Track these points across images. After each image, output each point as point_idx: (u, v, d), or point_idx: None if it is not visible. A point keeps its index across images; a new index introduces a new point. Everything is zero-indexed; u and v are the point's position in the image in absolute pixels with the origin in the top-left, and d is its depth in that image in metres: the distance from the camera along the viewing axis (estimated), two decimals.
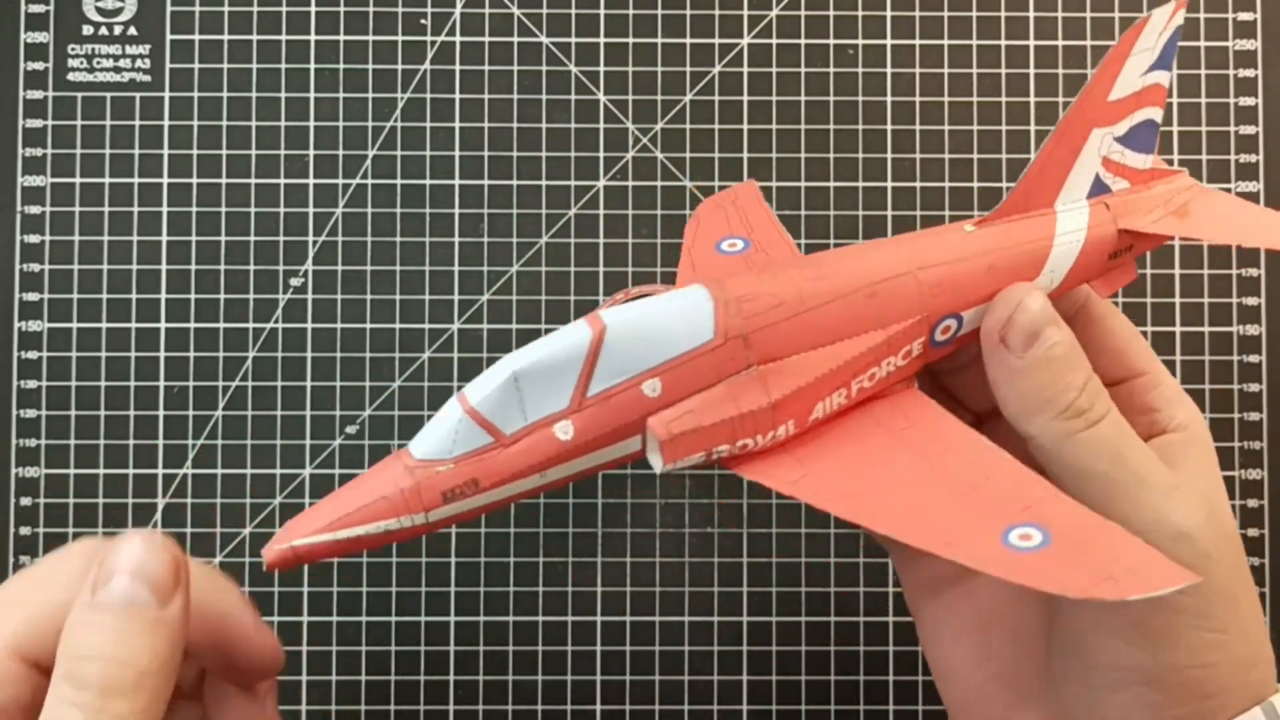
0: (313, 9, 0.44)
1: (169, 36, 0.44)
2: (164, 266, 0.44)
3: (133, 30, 0.44)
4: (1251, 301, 0.44)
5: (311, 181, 0.44)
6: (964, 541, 0.23)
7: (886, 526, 0.24)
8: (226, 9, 0.44)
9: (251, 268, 0.44)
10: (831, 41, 0.45)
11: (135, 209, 0.44)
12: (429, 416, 0.43)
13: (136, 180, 0.44)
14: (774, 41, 0.44)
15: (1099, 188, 0.31)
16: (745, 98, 0.44)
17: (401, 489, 0.24)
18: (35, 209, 0.44)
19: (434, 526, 0.25)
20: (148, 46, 0.44)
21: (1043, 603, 0.30)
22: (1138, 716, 0.27)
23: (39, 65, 0.44)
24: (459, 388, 0.43)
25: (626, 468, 0.43)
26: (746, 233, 0.32)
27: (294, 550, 0.24)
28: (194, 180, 0.44)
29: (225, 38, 0.44)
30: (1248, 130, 0.44)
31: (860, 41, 0.45)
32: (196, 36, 0.44)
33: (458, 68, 0.44)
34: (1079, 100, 0.29)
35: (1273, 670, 0.27)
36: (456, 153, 0.44)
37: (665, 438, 0.25)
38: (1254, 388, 0.44)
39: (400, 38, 0.44)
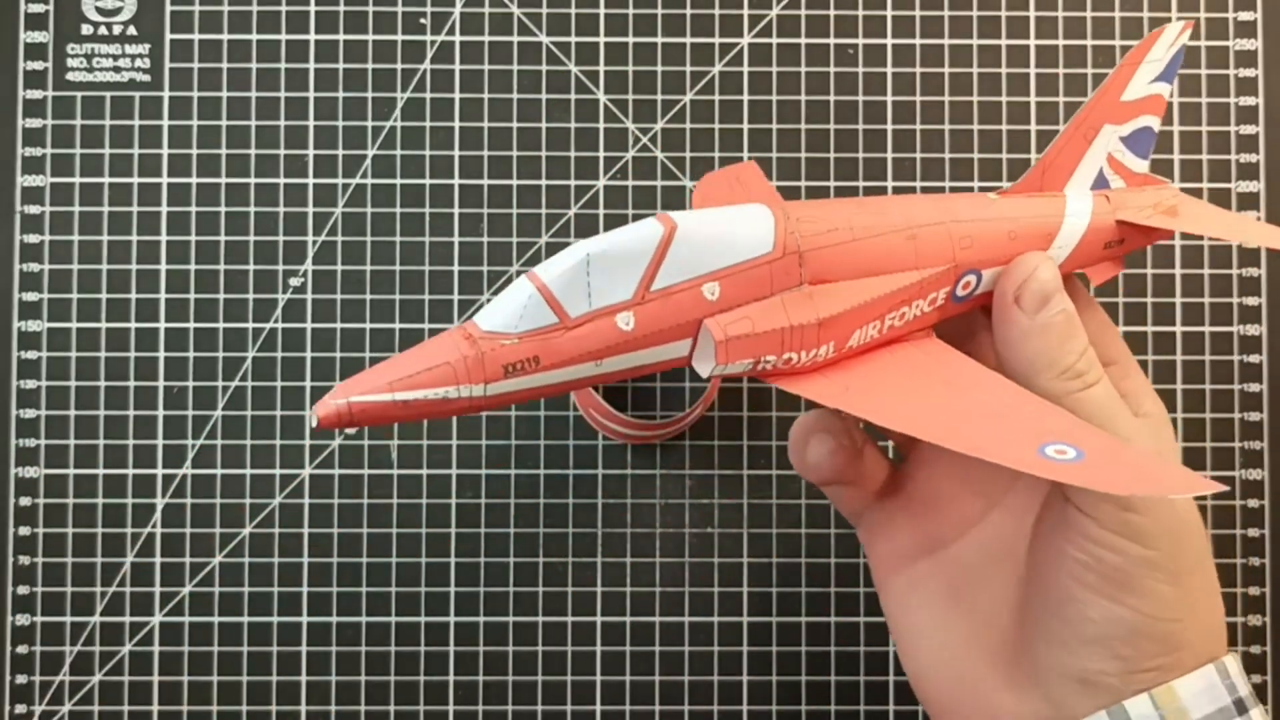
0: (312, 9, 0.44)
1: (168, 36, 0.44)
2: (163, 266, 0.43)
3: (132, 30, 0.44)
4: (1252, 301, 0.44)
5: (311, 181, 0.44)
6: (1004, 448, 0.24)
7: (931, 434, 0.25)
8: (226, 9, 0.44)
9: (251, 267, 0.44)
10: (832, 41, 0.44)
11: (134, 209, 0.44)
12: None
13: (136, 180, 0.44)
14: (774, 41, 0.44)
15: (1101, 182, 0.33)
16: (745, 97, 0.44)
17: (465, 356, 0.24)
18: (34, 209, 0.43)
19: (490, 403, 0.25)
20: (147, 46, 0.44)
21: (1015, 568, 0.32)
22: (1111, 669, 0.28)
23: (38, 65, 0.44)
24: None
25: (626, 468, 0.43)
26: (749, 199, 0.33)
27: (350, 407, 0.23)
28: (193, 180, 0.44)
29: (225, 37, 0.44)
30: (1248, 130, 0.44)
31: (860, 41, 0.45)
32: (196, 36, 0.44)
33: (457, 67, 0.44)
34: (1100, 92, 0.31)
35: (1225, 634, 0.30)
36: (456, 152, 0.44)
37: (721, 338, 0.26)
38: (1255, 388, 0.44)
39: (400, 37, 0.44)
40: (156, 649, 0.43)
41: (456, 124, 0.44)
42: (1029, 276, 0.30)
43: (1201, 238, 0.44)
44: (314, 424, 0.23)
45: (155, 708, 0.43)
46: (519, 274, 0.43)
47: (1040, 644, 0.30)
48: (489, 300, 0.43)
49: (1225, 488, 0.24)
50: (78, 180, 0.44)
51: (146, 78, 0.44)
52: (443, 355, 0.24)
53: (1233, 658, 0.29)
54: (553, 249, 0.44)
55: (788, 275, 0.27)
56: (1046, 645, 0.29)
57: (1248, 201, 0.44)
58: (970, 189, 0.44)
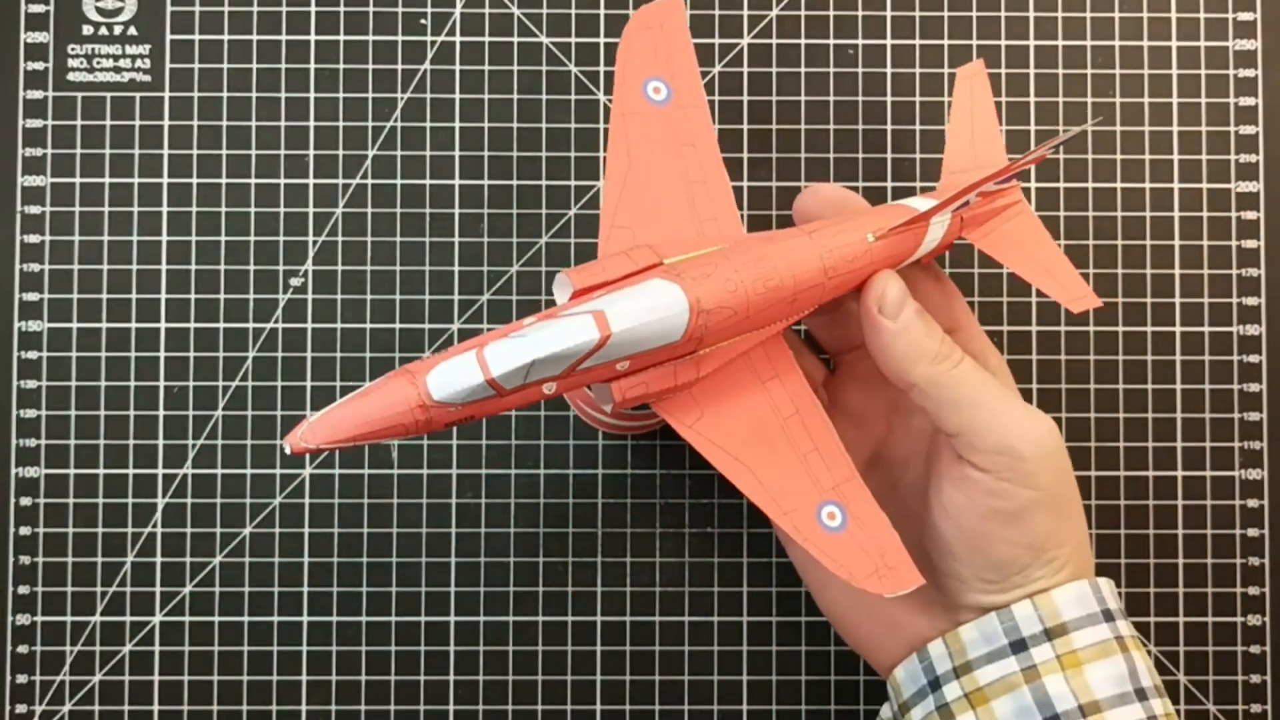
0: (313, 9, 0.44)
1: (169, 36, 0.44)
2: (164, 266, 0.44)
3: (133, 30, 0.44)
4: (1251, 301, 0.44)
5: (311, 181, 0.44)
6: (790, 511, 0.32)
7: (747, 489, 0.32)
8: (226, 9, 0.44)
9: (251, 268, 0.44)
10: (831, 41, 0.45)
11: (135, 209, 0.44)
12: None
13: (136, 180, 0.44)
14: (774, 41, 0.44)
15: (964, 205, 0.37)
16: (745, 98, 0.44)
17: (418, 420, 0.29)
18: (35, 209, 0.44)
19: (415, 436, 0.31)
20: (148, 46, 0.44)
21: (919, 489, 0.37)
22: (1006, 588, 0.34)
23: (39, 65, 0.44)
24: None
25: (626, 468, 0.43)
26: (669, 74, 0.36)
27: (319, 448, 0.29)
28: (194, 180, 0.44)
29: (225, 38, 0.44)
30: (1248, 130, 0.44)
31: (860, 41, 0.45)
32: (196, 36, 0.44)
33: (458, 68, 0.44)
34: (992, 176, 0.35)
35: (1092, 557, 0.36)
36: (456, 153, 0.44)
37: (620, 399, 0.32)
38: (1254, 388, 0.44)
39: (400, 38, 0.44)
40: (157, 649, 0.43)
41: (457, 124, 0.44)
42: (882, 294, 0.34)
43: (1200, 239, 0.44)
44: (287, 450, 0.29)
45: (156, 707, 0.43)
46: (519, 274, 0.44)
47: (947, 579, 0.35)
48: (487, 301, 0.43)
49: (923, 581, 0.32)
50: (78, 180, 0.44)
51: (147, 78, 0.44)
52: (401, 418, 0.29)
53: (1106, 581, 0.35)
54: (552, 249, 0.44)
55: (683, 349, 0.32)
56: (953, 580, 0.35)
57: (1248, 201, 0.44)
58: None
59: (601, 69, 0.44)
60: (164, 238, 0.44)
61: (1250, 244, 0.44)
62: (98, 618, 0.43)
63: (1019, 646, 0.34)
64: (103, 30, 0.44)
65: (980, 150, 0.39)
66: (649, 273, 0.32)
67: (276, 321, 0.43)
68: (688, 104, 0.36)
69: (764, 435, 0.33)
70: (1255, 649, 0.43)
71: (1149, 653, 0.42)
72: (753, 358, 0.34)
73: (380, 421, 0.29)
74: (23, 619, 0.43)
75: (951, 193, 0.35)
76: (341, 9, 0.44)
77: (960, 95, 0.39)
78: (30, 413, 0.43)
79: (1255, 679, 0.43)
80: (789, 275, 0.33)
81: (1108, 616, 0.34)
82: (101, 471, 0.43)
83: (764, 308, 0.32)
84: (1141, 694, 0.33)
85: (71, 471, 0.43)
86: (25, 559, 0.43)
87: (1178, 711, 0.43)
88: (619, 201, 0.34)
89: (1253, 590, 0.44)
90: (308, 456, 0.43)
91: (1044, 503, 0.33)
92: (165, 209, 0.44)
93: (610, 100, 0.44)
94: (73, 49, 0.44)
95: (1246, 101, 0.45)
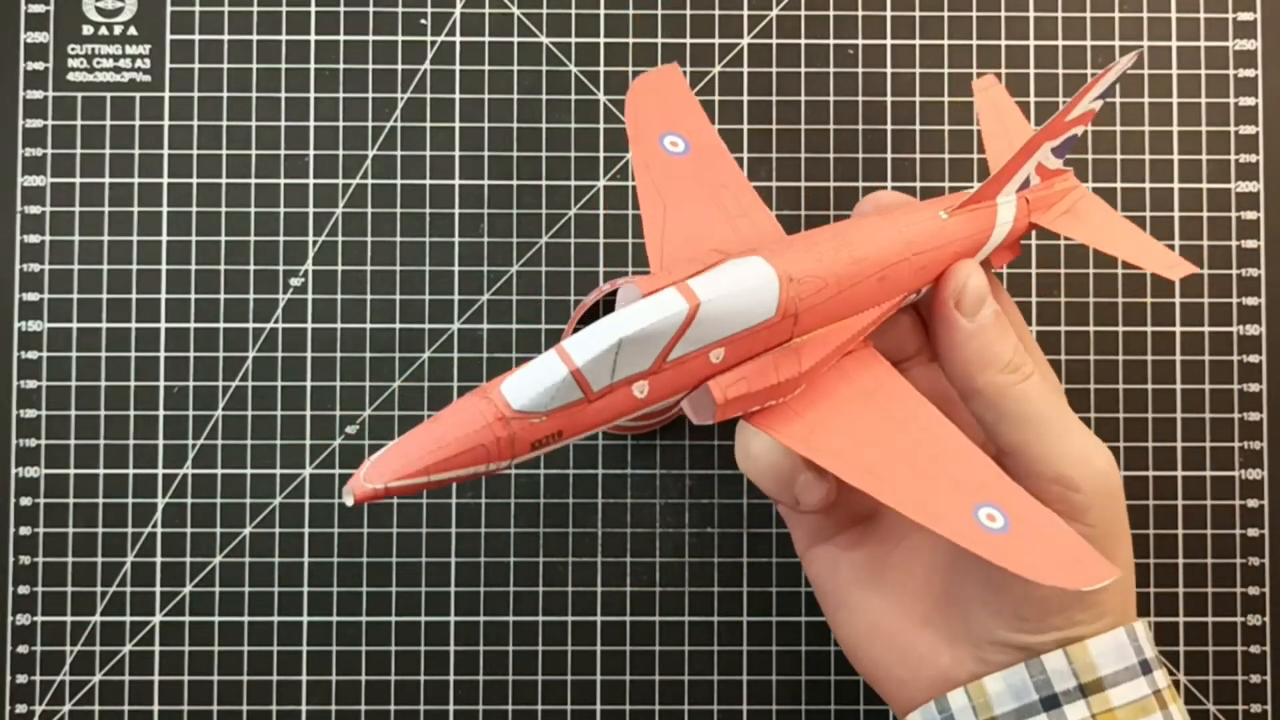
0: (313, 9, 0.44)
1: (169, 36, 0.44)
2: (164, 266, 0.44)
3: (133, 30, 0.44)
4: (1251, 301, 0.44)
5: (311, 181, 0.44)
6: (943, 515, 0.27)
7: (885, 496, 0.28)
8: (226, 9, 0.44)
9: (251, 268, 0.44)
10: (831, 41, 0.45)
11: (135, 209, 0.44)
12: (429, 415, 0.43)
13: (136, 180, 0.44)
14: (774, 41, 0.44)
15: (1024, 184, 0.35)
16: (745, 98, 0.44)
17: (499, 438, 0.25)
18: (35, 209, 0.44)
19: (511, 468, 0.27)
20: (148, 46, 0.44)
21: (936, 540, 0.34)
22: (1041, 631, 0.31)
23: (39, 65, 0.44)
24: (458, 389, 0.43)
25: (626, 468, 0.43)
26: (684, 129, 0.35)
27: (386, 489, 0.24)
28: (194, 180, 0.44)
29: (225, 38, 0.44)
30: (1248, 130, 0.44)
31: (860, 41, 0.45)
32: (196, 36, 0.44)
33: (458, 68, 0.44)
34: (1052, 121, 0.33)
35: (1135, 601, 0.33)
36: (456, 153, 0.44)
37: (722, 401, 0.28)
38: (1254, 388, 0.44)
39: (400, 38, 0.44)
40: (157, 649, 0.43)
41: (457, 124, 0.44)
42: (964, 285, 0.32)
43: (1200, 239, 0.44)
44: (348, 502, 0.24)
45: (156, 707, 0.43)
46: (519, 274, 0.44)
47: (978, 610, 0.32)
48: (487, 301, 0.43)
49: (1120, 573, 0.27)
50: (78, 180, 0.44)
51: (147, 78, 0.44)
52: (478, 437, 0.25)
53: (1142, 624, 0.32)
54: (552, 249, 0.44)
55: (780, 334, 0.29)
56: (985, 612, 0.32)
57: (1247, 201, 0.44)
58: (970, 189, 0.44)
59: (601, 69, 0.44)
60: (164, 238, 0.44)
61: (1250, 244, 0.44)
62: (98, 618, 0.43)
63: (1051, 703, 0.31)
64: (103, 30, 0.44)
65: (1020, 144, 0.38)
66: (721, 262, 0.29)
67: (276, 321, 0.43)
68: (709, 152, 0.34)
69: (886, 445, 0.29)
70: (1255, 649, 0.43)
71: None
72: (848, 371, 0.31)
73: (455, 444, 0.24)
74: (23, 619, 0.43)
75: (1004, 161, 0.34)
76: (341, 9, 0.44)
77: (983, 106, 0.38)
78: (30, 413, 0.43)
79: (1255, 679, 0.43)
80: (872, 248, 0.31)
81: (1145, 668, 0.31)
82: (101, 471, 0.43)
83: (853, 282, 0.30)
84: None
85: (71, 471, 0.43)
86: (25, 559, 0.43)
87: None
88: (663, 244, 0.32)
89: (1253, 590, 0.44)
90: (308, 457, 0.43)
91: (1094, 540, 0.30)
92: (165, 209, 0.44)
93: (608, 99, 0.44)
94: (73, 49, 0.44)
95: (1246, 101, 0.45)
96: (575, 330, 0.42)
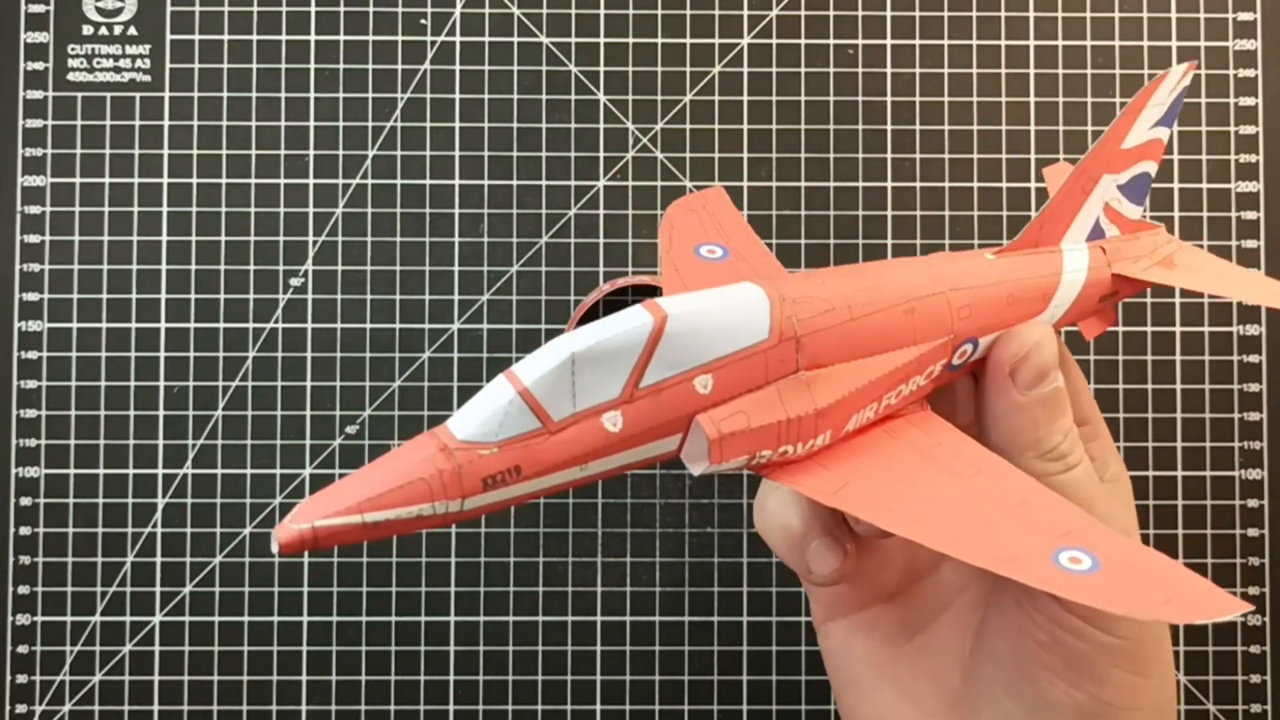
0: (313, 9, 0.44)
1: (169, 36, 0.44)
2: (164, 266, 0.44)
3: (133, 30, 0.44)
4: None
5: (311, 181, 0.44)
6: (1018, 560, 0.23)
7: (938, 542, 0.24)
8: (226, 9, 0.44)
9: (251, 268, 0.44)
10: (831, 41, 0.45)
11: (135, 209, 0.44)
12: (428, 417, 0.43)
13: (136, 180, 0.44)
14: (774, 41, 0.44)
15: (1096, 232, 0.31)
16: (745, 98, 0.44)
17: (440, 470, 0.22)
18: (35, 209, 0.44)
19: (467, 515, 0.23)
20: (148, 46, 0.44)
21: (966, 624, 0.31)
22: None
23: (39, 65, 0.44)
24: (458, 389, 0.43)
25: None
26: (723, 239, 0.32)
27: (314, 531, 0.21)
28: (194, 180, 0.44)
29: (225, 38, 0.44)
30: (1248, 130, 0.44)
31: (860, 41, 0.45)
32: (196, 36, 0.44)
33: (458, 68, 0.44)
34: (1101, 142, 0.30)
35: (1174, 717, 0.29)
36: (456, 153, 0.44)
37: (715, 436, 0.24)
38: (1254, 388, 0.44)
39: (400, 38, 0.44)
40: (157, 648, 0.43)
41: (457, 124, 0.44)
42: (1029, 351, 0.28)
43: (1200, 239, 0.44)
44: (274, 549, 0.21)
45: (156, 707, 0.43)
46: (519, 274, 0.44)
47: (989, 713, 0.29)
48: (487, 301, 0.43)
49: (1252, 607, 0.23)
50: (78, 180, 0.44)
51: (147, 78, 0.44)
52: (416, 471, 0.22)
53: None
54: (552, 249, 0.44)
55: (783, 362, 0.25)
56: (996, 716, 0.29)
57: (1248, 201, 0.44)
58: (970, 189, 0.44)
59: (601, 69, 0.44)
60: (164, 238, 0.44)
61: (1250, 244, 0.44)
62: (98, 618, 0.43)
63: None
64: (103, 30, 0.44)
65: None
66: None
67: (276, 321, 0.43)
68: (750, 255, 0.31)
69: (940, 495, 0.25)
70: (1255, 649, 0.43)
71: None
72: (897, 430, 0.28)
73: (391, 478, 0.22)
74: (23, 619, 0.43)
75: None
76: (341, 9, 0.44)
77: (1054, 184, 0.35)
78: (30, 413, 0.43)
79: (1255, 679, 0.43)
80: (891, 276, 0.28)
81: None
82: (101, 471, 0.43)
83: (869, 310, 0.27)
84: None
85: (71, 471, 0.43)
86: (25, 559, 0.43)
87: (1178, 712, 0.43)
88: None
89: (1253, 590, 0.44)
90: (308, 457, 0.43)
91: (1122, 653, 0.27)
92: (165, 209, 0.44)
93: (608, 99, 0.44)
94: (73, 49, 0.44)
95: (1246, 102, 0.45)
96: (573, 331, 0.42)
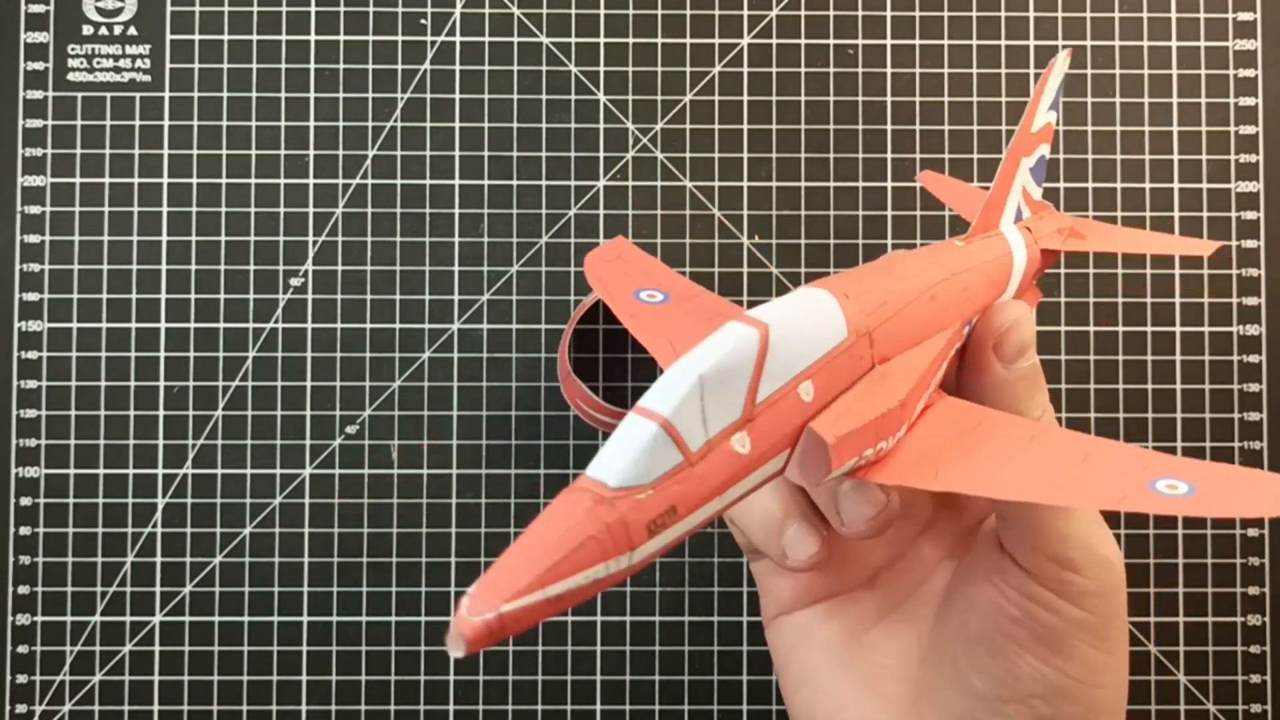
0: (313, 9, 0.44)
1: (169, 36, 0.44)
2: (164, 266, 0.44)
3: (133, 30, 0.44)
4: (1251, 301, 0.44)
5: (311, 181, 0.44)
6: (1129, 498, 0.23)
7: (1057, 499, 0.24)
8: (226, 9, 0.44)
9: (251, 268, 0.44)
10: (831, 41, 0.45)
11: (135, 209, 0.44)
12: (428, 418, 0.43)
13: (136, 180, 0.44)
14: (774, 41, 0.44)
15: (1018, 215, 0.33)
16: (745, 98, 0.44)
17: (607, 525, 0.20)
18: (35, 209, 0.44)
19: (635, 568, 0.22)
20: (148, 46, 0.44)
21: (920, 619, 0.31)
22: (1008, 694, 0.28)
23: (39, 65, 0.44)
24: (458, 389, 0.43)
25: None
26: (654, 284, 0.31)
27: (500, 619, 0.19)
28: (194, 180, 0.44)
29: (225, 38, 0.44)
30: (1248, 130, 0.44)
31: (860, 41, 0.45)
32: (196, 36, 0.44)
33: (458, 68, 0.44)
34: (1021, 127, 0.32)
35: (1126, 701, 0.29)
36: (456, 153, 0.44)
37: (833, 440, 0.23)
38: (1254, 388, 0.44)
39: (400, 38, 0.44)
40: (157, 649, 0.43)
41: (457, 124, 0.44)
42: (1011, 325, 0.28)
43: (1200, 238, 0.44)
44: (458, 652, 0.18)
45: (156, 707, 0.43)
46: (519, 274, 0.43)
47: (952, 694, 0.29)
48: (487, 301, 0.43)
49: None
50: (78, 180, 0.44)
51: (147, 78, 0.44)
52: (583, 529, 0.20)
53: None
54: (552, 249, 0.44)
55: (861, 359, 0.25)
56: (960, 696, 0.29)
57: (1248, 201, 0.44)
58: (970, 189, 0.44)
59: (601, 69, 0.44)
60: (164, 238, 0.44)
61: (1250, 244, 0.44)
62: (98, 618, 0.43)
63: None
64: (103, 30, 0.44)
65: (977, 200, 0.36)
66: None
67: (276, 321, 0.43)
68: (691, 297, 0.31)
69: (1024, 462, 0.25)
70: (1255, 649, 0.43)
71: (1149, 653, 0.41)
72: (937, 419, 0.28)
73: (562, 543, 0.20)
74: (23, 619, 0.43)
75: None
76: (341, 9, 0.44)
77: (936, 191, 0.38)
78: (30, 413, 0.43)
79: (1255, 679, 0.43)
80: (910, 268, 0.28)
81: None
82: (101, 471, 0.43)
83: (906, 300, 0.27)
84: None
85: (71, 471, 0.43)
86: (25, 559, 0.43)
87: (1178, 712, 0.43)
88: (676, 354, 0.28)
89: (1253, 590, 0.44)
90: (308, 457, 0.43)
91: (1089, 628, 0.28)
92: (165, 209, 0.44)
93: (608, 99, 0.44)
94: (73, 49, 0.44)
95: (1246, 101, 0.45)
96: (574, 331, 0.42)
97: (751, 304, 0.43)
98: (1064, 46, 0.45)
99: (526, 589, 0.19)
